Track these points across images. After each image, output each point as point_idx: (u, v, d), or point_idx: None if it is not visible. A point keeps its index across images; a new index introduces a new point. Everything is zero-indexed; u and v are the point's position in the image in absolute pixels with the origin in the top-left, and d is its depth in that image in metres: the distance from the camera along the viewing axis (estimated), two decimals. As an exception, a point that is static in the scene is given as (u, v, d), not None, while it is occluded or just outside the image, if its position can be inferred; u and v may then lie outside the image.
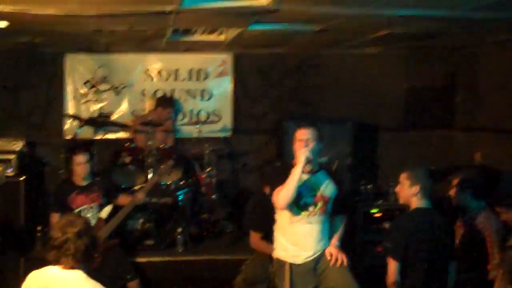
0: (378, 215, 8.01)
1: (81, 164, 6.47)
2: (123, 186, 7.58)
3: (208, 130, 9.08)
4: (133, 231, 7.40)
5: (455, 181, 5.38)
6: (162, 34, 7.22)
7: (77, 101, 9.07)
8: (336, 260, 5.18)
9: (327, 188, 5.23)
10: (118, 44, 8.45)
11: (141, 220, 7.43)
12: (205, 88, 9.40)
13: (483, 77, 9.10)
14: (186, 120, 9.31)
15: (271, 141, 9.42)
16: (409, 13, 5.60)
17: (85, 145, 7.46)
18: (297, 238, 5.20)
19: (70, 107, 9.04)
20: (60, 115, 9.00)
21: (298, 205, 5.12)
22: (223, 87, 9.43)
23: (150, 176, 7.57)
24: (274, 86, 9.53)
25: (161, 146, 8.06)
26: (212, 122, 9.30)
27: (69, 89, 9.05)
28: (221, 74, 9.39)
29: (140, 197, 6.59)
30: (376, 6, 5.28)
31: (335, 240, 5.32)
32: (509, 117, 8.17)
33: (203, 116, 9.38)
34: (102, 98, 9.14)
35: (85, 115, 8.94)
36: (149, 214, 7.53)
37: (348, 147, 8.64)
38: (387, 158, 9.53)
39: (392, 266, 4.68)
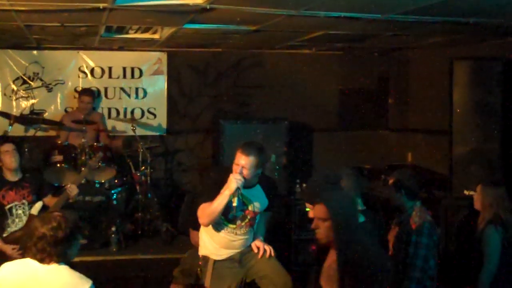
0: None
1: (8, 153, 6.28)
2: (55, 185, 7.44)
3: (143, 128, 8.99)
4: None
5: (391, 181, 5.47)
6: (95, 31, 7.12)
7: (8, 98, 8.88)
8: (265, 251, 5.25)
9: (259, 203, 5.25)
10: (51, 41, 8.29)
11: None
12: (139, 86, 9.32)
13: (414, 79, 9.32)
14: (120, 117, 9.21)
15: (207, 140, 9.41)
16: (343, 15, 5.68)
17: (12, 138, 7.28)
18: (223, 244, 5.24)
19: (1, 104, 8.84)
20: (-11, 112, 8.78)
21: (226, 218, 5.14)
22: (158, 85, 9.37)
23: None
24: (209, 85, 9.52)
25: (94, 144, 7.95)
26: (147, 120, 9.22)
27: (-1, 85, 8.85)
28: (156, 72, 9.33)
29: (73, 189, 6.36)
30: (311, 7, 5.34)
31: (259, 235, 5.38)
32: (437, 118, 8.38)
33: (137, 114, 9.30)
34: (34, 95, 8.97)
35: (16, 112, 8.75)
36: (82, 212, 7.40)
37: (283, 147, 8.70)
38: (321, 158, 9.65)
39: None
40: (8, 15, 5.81)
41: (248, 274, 5.29)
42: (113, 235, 7.27)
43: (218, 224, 5.14)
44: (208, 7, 5.24)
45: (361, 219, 4.60)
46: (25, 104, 8.95)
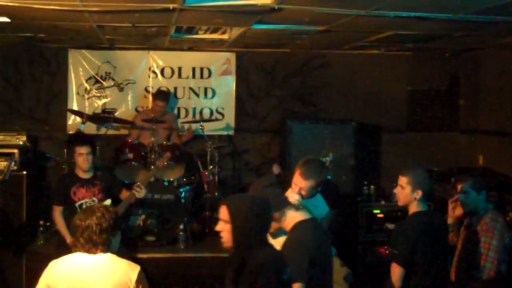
0: (380, 215, 8.05)
1: (82, 155, 6.45)
2: (126, 182, 7.58)
3: (211, 128, 9.07)
4: (134, 227, 7.40)
5: (459, 186, 5.36)
6: (165, 31, 7.23)
7: (81, 97, 9.11)
8: None
9: (319, 212, 5.22)
10: (122, 41, 8.48)
11: (143, 216, 7.43)
12: (208, 86, 9.42)
13: (486, 80, 9.10)
14: (189, 117, 9.33)
15: (274, 140, 9.43)
16: (413, 15, 5.60)
17: (88, 138, 7.44)
18: None
19: (75, 103, 9.08)
20: (63, 110, 9.04)
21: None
22: (226, 86, 9.44)
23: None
24: (277, 86, 9.54)
25: (163, 142, 8.07)
26: (215, 120, 9.30)
27: (72, 84, 9.08)
28: (224, 73, 9.40)
29: (140, 190, 6.49)
30: (380, 7, 5.29)
31: None
32: (510, 119, 8.17)
33: (206, 114, 9.40)
34: (106, 94, 9.18)
35: (88, 111, 8.97)
36: (151, 210, 7.53)
37: (351, 148, 8.62)
38: (389, 159, 9.54)
39: (397, 272, 4.65)
40: (82, 16, 5.96)
41: None
42: (180, 233, 7.34)
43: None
44: (276, 7, 5.26)
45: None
46: (97, 103, 9.17)
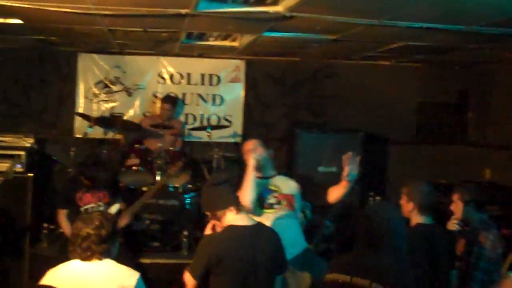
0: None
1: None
2: (131, 187, 7.57)
3: (218, 135, 9.05)
4: (139, 231, 7.37)
5: (455, 196, 5.37)
6: (176, 37, 7.23)
7: (89, 101, 9.12)
8: None
9: (287, 187, 5.44)
10: (132, 46, 8.47)
11: (147, 221, 7.40)
12: (217, 93, 9.41)
13: (495, 94, 9.08)
14: (197, 124, 9.32)
15: (282, 149, 9.39)
16: (426, 26, 5.58)
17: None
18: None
19: (82, 106, 9.08)
20: (71, 114, 9.05)
21: (262, 206, 5.33)
22: (235, 93, 9.44)
23: (158, 178, 7.56)
24: (286, 94, 9.53)
25: (170, 148, 8.05)
26: (223, 127, 9.27)
27: (81, 88, 9.10)
28: (233, 80, 9.40)
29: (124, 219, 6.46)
30: (392, 17, 5.27)
31: None
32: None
33: (214, 121, 9.39)
34: (114, 99, 9.19)
35: (96, 114, 8.97)
36: (155, 215, 7.50)
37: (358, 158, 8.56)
38: (396, 171, 9.50)
39: None
40: (93, 19, 5.96)
41: None
42: (184, 239, 7.31)
43: (258, 214, 5.22)
44: (288, 15, 5.25)
45: None
46: (105, 107, 9.17)
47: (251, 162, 5.18)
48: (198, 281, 4.20)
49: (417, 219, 4.83)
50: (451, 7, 4.77)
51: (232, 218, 4.28)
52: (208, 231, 4.60)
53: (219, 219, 4.30)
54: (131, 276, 3.83)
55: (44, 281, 3.83)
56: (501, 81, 8.95)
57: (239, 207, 4.34)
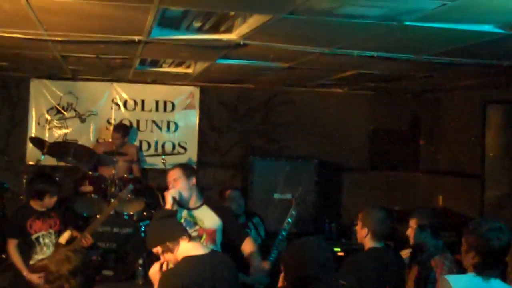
0: (341, 254, 8.02)
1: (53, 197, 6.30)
2: (84, 215, 7.47)
3: (173, 162, 8.99)
4: (92, 260, 7.26)
5: (412, 221, 5.42)
6: (130, 63, 7.21)
7: (41, 127, 9.01)
8: None
9: (209, 221, 5.23)
10: (85, 72, 8.42)
11: (101, 250, 7.31)
12: (171, 120, 9.39)
13: (445, 121, 9.25)
14: (151, 150, 9.27)
15: (236, 175, 9.41)
16: (377, 54, 5.67)
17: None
18: None
19: (34, 133, 8.96)
20: (23, 140, 8.90)
21: None
22: (189, 120, 9.43)
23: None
24: (240, 121, 9.56)
25: (124, 175, 7.98)
26: (178, 153, 9.25)
27: (33, 114, 8.98)
28: (188, 107, 9.40)
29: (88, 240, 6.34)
30: (344, 45, 5.35)
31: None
32: (469, 161, 8.28)
33: (168, 148, 9.35)
34: (67, 125, 9.09)
35: (49, 141, 8.83)
36: (110, 244, 7.41)
37: (312, 185, 8.65)
38: (351, 198, 9.58)
39: None
40: (45, 45, 5.91)
41: None
42: (139, 268, 7.24)
43: None
44: (241, 43, 5.28)
45: None
46: (58, 134, 9.06)
47: (167, 198, 4.94)
48: None
49: (370, 243, 4.87)
50: (401, 37, 4.86)
51: (186, 248, 4.16)
52: (154, 270, 4.29)
53: (171, 251, 4.17)
54: None
55: None
56: (450, 108, 9.13)
57: (190, 235, 4.28)
